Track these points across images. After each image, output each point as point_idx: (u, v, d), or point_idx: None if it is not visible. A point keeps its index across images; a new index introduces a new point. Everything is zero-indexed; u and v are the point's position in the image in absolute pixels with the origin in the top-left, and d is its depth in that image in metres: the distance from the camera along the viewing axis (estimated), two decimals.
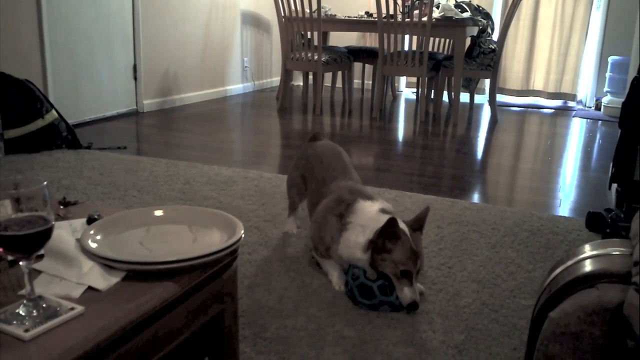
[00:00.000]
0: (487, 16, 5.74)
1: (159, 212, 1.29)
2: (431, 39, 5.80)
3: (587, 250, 0.90)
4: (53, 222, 0.91)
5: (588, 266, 0.86)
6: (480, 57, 5.26)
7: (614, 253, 0.87)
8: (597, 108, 6.15)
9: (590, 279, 0.83)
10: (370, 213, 1.98)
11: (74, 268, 1.05)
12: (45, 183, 0.90)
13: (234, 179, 3.24)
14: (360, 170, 3.60)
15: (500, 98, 6.44)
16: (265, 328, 1.76)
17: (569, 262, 0.89)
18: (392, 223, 1.82)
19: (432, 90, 5.93)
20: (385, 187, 3.17)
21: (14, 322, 0.88)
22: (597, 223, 2.60)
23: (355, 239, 1.93)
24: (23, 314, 0.90)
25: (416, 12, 5.08)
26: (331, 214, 2.04)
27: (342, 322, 1.80)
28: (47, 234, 0.91)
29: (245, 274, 2.09)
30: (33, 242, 0.89)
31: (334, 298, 1.94)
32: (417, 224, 1.92)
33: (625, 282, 0.80)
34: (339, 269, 1.98)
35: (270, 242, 2.40)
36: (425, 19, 4.96)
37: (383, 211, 1.98)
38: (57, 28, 4.34)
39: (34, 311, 0.91)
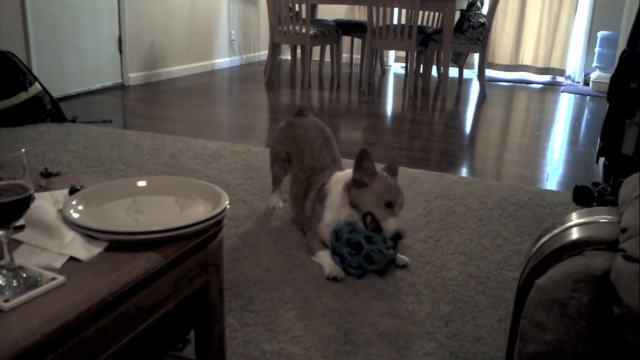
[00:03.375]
0: None
1: (142, 183, 1.26)
2: (420, 12, 5.74)
3: (574, 218, 0.90)
4: (32, 191, 0.89)
5: (575, 233, 0.85)
6: (470, 31, 5.22)
7: (601, 221, 0.87)
8: (586, 83, 6.15)
9: (578, 246, 0.82)
10: (343, 176, 2.06)
11: (56, 238, 1.03)
12: (23, 150, 0.88)
13: (220, 152, 3.22)
14: (348, 144, 3.58)
15: (489, 73, 6.42)
16: (252, 300, 1.75)
17: (556, 230, 0.88)
18: (364, 153, 1.92)
19: (421, 65, 5.89)
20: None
21: None
22: (584, 196, 2.61)
23: (335, 197, 2.01)
24: (3, 284, 0.88)
25: None
26: (316, 202, 2.09)
27: (329, 294, 1.80)
28: (25, 202, 0.88)
29: (232, 247, 2.08)
30: (11, 210, 0.87)
31: (320, 270, 1.94)
32: (391, 171, 2.03)
33: (612, 250, 0.80)
34: (329, 258, 1.97)
35: (257, 216, 2.38)
36: None
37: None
38: None
39: (14, 281, 0.89)
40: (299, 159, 2.29)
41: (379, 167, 1.98)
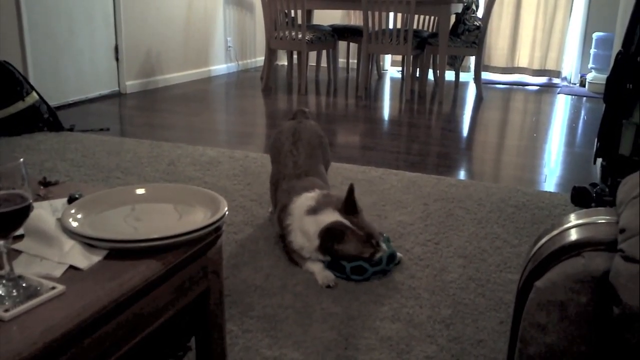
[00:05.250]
0: None
1: (140, 191, 1.27)
2: (416, 16, 5.75)
3: (573, 219, 0.90)
4: (31, 200, 0.89)
5: (574, 235, 0.85)
6: (465, 34, 5.24)
7: (599, 221, 0.87)
8: (582, 84, 6.16)
9: (576, 247, 0.82)
10: (299, 214, 1.97)
11: (55, 247, 1.03)
12: (21, 160, 0.88)
13: (218, 159, 3.22)
14: (346, 148, 3.58)
15: (486, 75, 6.43)
16: (252, 307, 1.75)
17: (555, 232, 0.89)
18: (326, 237, 1.86)
19: (417, 69, 5.90)
20: (371, 165, 3.16)
21: None
22: (582, 197, 2.61)
23: (302, 244, 1.95)
24: (2, 294, 0.89)
25: None
26: (280, 227, 2.08)
27: (329, 299, 1.80)
28: (24, 212, 0.88)
29: (231, 254, 2.08)
30: (10, 220, 0.87)
31: None
32: (350, 208, 1.92)
33: (611, 250, 0.80)
34: (319, 264, 1.96)
35: (256, 222, 2.38)
36: None
37: (309, 211, 1.95)
38: (35, 7, 4.25)
39: (14, 291, 0.89)
40: (273, 165, 2.32)
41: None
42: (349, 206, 1.92)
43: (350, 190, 1.92)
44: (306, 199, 1.99)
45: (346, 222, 1.88)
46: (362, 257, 1.89)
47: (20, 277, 0.92)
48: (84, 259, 1.01)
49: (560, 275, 0.81)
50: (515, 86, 6.25)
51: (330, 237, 1.86)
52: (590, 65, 5.93)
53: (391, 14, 5.38)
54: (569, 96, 5.69)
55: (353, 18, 7.03)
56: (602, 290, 0.78)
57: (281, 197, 2.10)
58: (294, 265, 2.01)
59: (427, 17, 6.13)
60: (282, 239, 2.10)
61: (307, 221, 1.93)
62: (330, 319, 1.69)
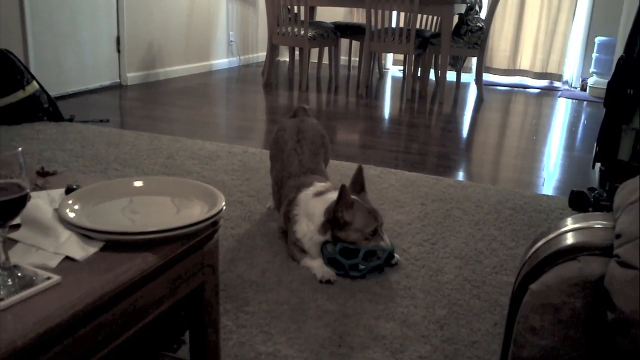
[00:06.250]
0: None
1: (138, 183, 1.26)
2: (419, 15, 5.75)
3: (569, 223, 0.90)
4: (28, 190, 0.89)
5: (570, 239, 0.85)
6: (468, 35, 5.23)
7: (596, 226, 0.87)
8: (583, 89, 6.16)
9: (572, 252, 0.82)
10: (307, 200, 2.01)
11: (51, 238, 1.03)
12: (19, 149, 0.88)
13: (217, 153, 3.21)
14: (345, 146, 3.58)
15: (487, 77, 6.43)
16: (248, 302, 1.75)
17: (551, 235, 0.89)
18: (345, 192, 1.87)
19: (419, 68, 5.90)
20: (370, 164, 3.16)
21: None
22: (580, 202, 2.61)
23: (307, 229, 1.97)
24: None
25: None
26: (286, 220, 2.09)
27: (324, 297, 1.80)
28: (21, 201, 0.88)
29: (228, 248, 2.08)
30: (7, 209, 0.87)
31: None
32: (358, 187, 2.00)
33: (606, 255, 0.80)
34: (318, 261, 1.97)
35: (254, 217, 2.38)
36: None
37: (316, 194, 2.01)
38: None
39: (9, 280, 0.89)
40: (274, 164, 2.32)
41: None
42: (356, 183, 1.99)
43: (359, 169, 2.01)
44: (315, 187, 2.05)
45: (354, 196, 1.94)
46: (364, 234, 1.89)
47: (15, 266, 0.92)
48: (80, 250, 1.00)
49: (556, 279, 0.81)
50: (516, 88, 6.25)
51: (344, 193, 1.87)
52: (592, 69, 5.93)
53: (394, 13, 5.38)
54: (570, 100, 5.70)
55: (356, 16, 7.02)
56: (597, 295, 0.78)
57: (289, 193, 2.11)
58: (291, 261, 2.01)
59: (430, 17, 6.12)
60: (284, 234, 2.11)
61: (314, 203, 1.97)
62: (325, 316, 1.69)
